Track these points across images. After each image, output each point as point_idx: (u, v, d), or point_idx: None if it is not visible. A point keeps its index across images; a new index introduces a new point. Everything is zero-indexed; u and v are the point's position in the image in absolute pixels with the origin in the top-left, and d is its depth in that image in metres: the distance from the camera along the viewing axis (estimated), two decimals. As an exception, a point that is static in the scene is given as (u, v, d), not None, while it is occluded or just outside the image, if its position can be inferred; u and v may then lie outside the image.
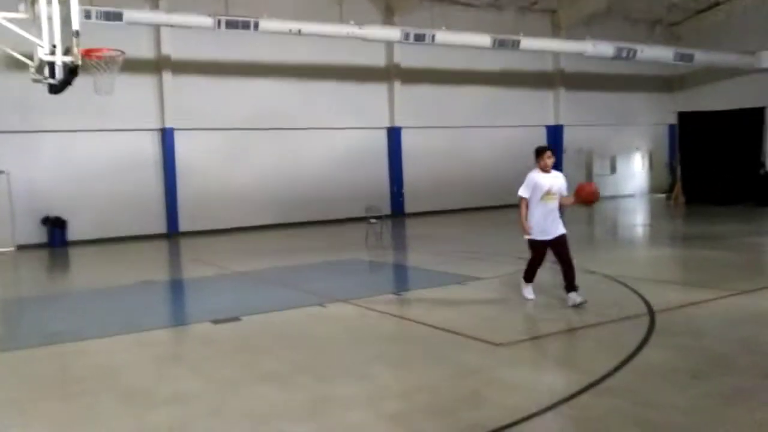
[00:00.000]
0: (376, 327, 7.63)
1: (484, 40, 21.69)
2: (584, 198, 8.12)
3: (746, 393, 4.86)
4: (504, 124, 27.19)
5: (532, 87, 28.02)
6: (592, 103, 29.14)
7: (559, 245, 7.94)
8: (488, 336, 6.65)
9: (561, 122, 28.64)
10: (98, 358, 6.57)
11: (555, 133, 28.55)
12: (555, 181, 8.05)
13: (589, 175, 29.53)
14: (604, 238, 17.63)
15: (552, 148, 8.35)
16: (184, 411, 4.96)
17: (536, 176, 8.01)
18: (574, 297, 7.76)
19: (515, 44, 22.12)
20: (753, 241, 14.35)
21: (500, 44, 21.90)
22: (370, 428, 4.50)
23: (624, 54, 23.21)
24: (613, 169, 30.61)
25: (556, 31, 27.69)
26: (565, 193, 8.15)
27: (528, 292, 8.42)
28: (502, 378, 5.39)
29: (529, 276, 8.39)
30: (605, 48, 23.10)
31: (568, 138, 28.64)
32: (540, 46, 23.75)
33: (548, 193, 7.93)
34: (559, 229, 7.99)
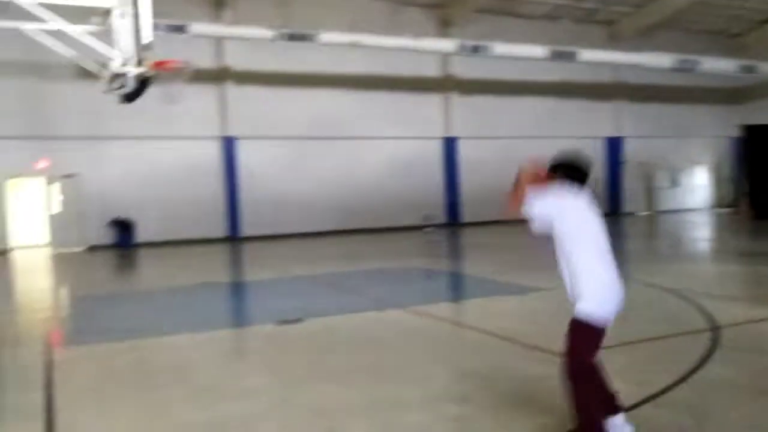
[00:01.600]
0: (435, 333, 7.76)
1: (540, 51, 21.69)
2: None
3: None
4: (561, 135, 26.93)
5: (590, 98, 27.77)
6: (653, 115, 28.67)
7: None
8: (548, 345, 6.69)
9: (621, 134, 28.23)
10: (170, 354, 6.91)
11: (614, 145, 28.18)
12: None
13: (650, 188, 29.02)
14: (666, 251, 17.32)
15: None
16: (251, 405, 5.20)
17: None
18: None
19: (572, 56, 22.01)
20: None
21: (557, 56, 21.83)
22: (429, 428, 4.63)
23: (684, 66, 22.80)
24: (675, 183, 29.97)
25: (614, 42, 27.36)
26: None
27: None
28: (560, 386, 5.45)
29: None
30: (664, 59, 22.78)
31: (628, 150, 28.23)
32: (597, 58, 23.57)
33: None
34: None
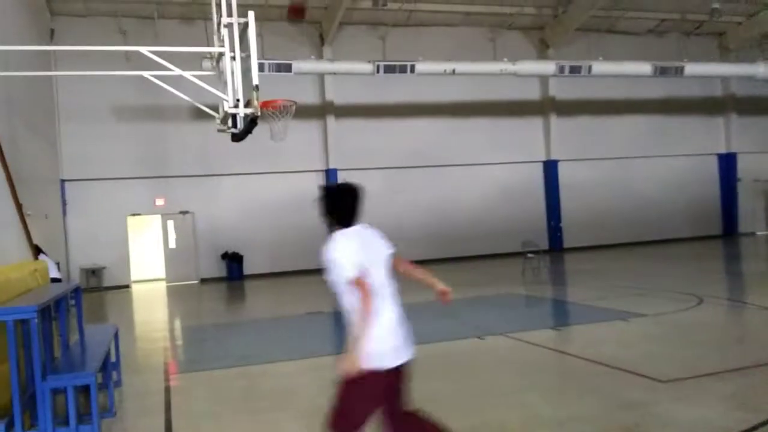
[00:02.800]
0: (533, 359, 7.71)
1: (645, 68, 21.10)
2: None
3: None
4: (669, 154, 26.05)
5: (699, 114, 26.63)
6: (769, 129, 27.10)
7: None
8: (650, 372, 6.54)
9: (734, 150, 26.86)
10: (278, 380, 7.25)
11: (727, 161, 26.84)
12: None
13: (768, 206, 27.36)
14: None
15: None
16: (353, 429, 5.39)
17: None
18: None
19: (679, 71, 21.29)
20: None
21: (662, 72, 21.18)
22: (528, 454, 4.66)
23: (803, 75, 21.54)
24: (797, 200, 28.06)
25: (724, 54, 26.21)
26: None
27: None
28: (664, 414, 5.32)
29: None
30: (780, 69, 21.58)
31: (743, 167, 26.79)
32: (706, 72, 22.67)
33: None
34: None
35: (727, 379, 6.29)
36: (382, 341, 3.69)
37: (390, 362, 3.71)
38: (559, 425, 5.25)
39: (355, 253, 3.74)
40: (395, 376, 3.80)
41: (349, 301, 3.74)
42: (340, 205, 4.02)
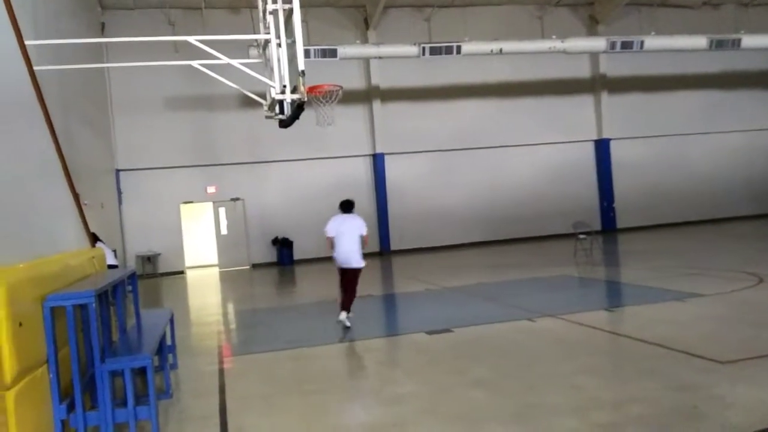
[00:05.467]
0: (586, 341, 7.58)
1: (700, 41, 20.38)
2: None
3: None
4: (726, 130, 25.18)
5: (757, 87, 25.63)
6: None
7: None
8: (709, 353, 6.36)
9: (795, 124, 25.83)
10: (327, 362, 7.32)
11: (788, 136, 25.82)
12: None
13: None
14: None
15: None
16: (403, 410, 5.41)
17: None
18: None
19: (736, 43, 20.51)
20: None
21: (718, 45, 20.43)
22: (580, 435, 4.59)
23: None
24: None
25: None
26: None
27: None
28: (723, 395, 5.17)
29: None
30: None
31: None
32: (765, 43, 21.70)
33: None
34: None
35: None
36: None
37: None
38: (614, 408, 5.15)
39: (332, 224, 9.65)
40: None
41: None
42: (343, 204, 9.98)
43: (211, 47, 9.92)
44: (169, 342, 7.26)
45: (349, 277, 9.37)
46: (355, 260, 9.31)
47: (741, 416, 4.66)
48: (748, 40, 20.66)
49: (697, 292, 9.80)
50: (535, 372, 6.33)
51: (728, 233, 20.21)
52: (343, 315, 9.27)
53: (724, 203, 24.94)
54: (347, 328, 9.09)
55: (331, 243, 9.45)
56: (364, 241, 9.46)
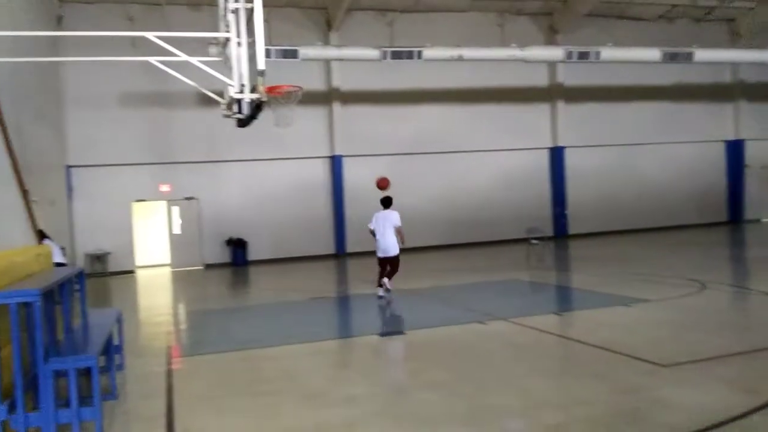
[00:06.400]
0: (536, 344, 7.72)
1: (654, 54, 20.89)
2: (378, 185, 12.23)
3: None
4: (677, 140, 25.88)
5: (708, 100, 26.42)
6: (778, 116, 26.84)
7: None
8: (652, 357, 6.54)
9: (742, 137, 26.69)
10: (280, 363, 7.28)
11: (735, 148, 26.68)
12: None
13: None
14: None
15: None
16: (354, 411, 5.42)
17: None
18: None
19: (688, 57, 21.08)
20: None
21: (671, 58, 20.97)
22: (527, 437, 4.67)
23: (813, 61, 21.28)
24: (804, 187, 27.81)
25: (734, 40, 25.97)
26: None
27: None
28: (665, 397, 5.32)
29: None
30: (791, 55, 21.31)
31: (752, 153, 26.63)
32: (716, 58, 22.40)
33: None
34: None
35: (728, 363, 6.29)
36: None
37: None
38: (561, 409, 5.25)
39: (374, 219, 11.74)
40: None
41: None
42: (383, 201, 11.85)
43: (171, 44, 9.80)
44: (116, 342, 7.12)
45: (388, 263, 11.63)
46: (393, 250, 11.55)
47: (680, 417, 4.81)
48: (700, 54, 21.27)
49: (643, 297, 10.06)
50: (486, 374, 6.42)
51: (675, 241, 20.78)
52: (384, 290, 11.49)
53: (673, 212, 25.62)
54: (381, 297, 11.40)
55: (372, 234, 11.62)
56: (398, 232, 11.48)
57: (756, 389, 5.33)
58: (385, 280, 11.50)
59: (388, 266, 11.66)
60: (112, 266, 19.98)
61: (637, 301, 9.78)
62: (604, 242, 21.71)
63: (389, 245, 11.49)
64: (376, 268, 11.97)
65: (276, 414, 5.48)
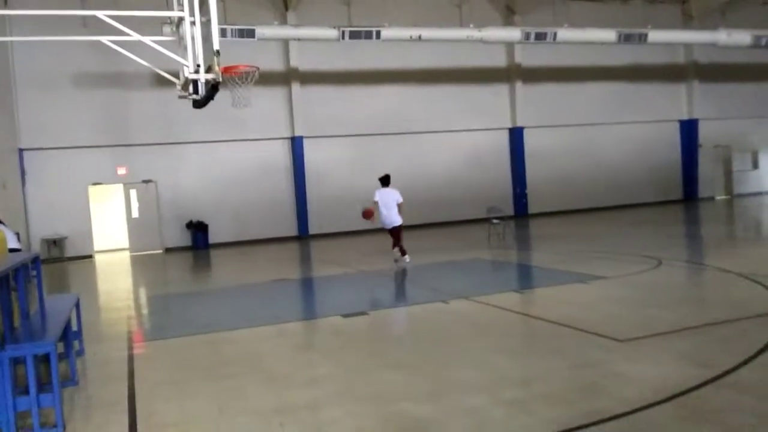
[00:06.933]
0: (497, 322, 7.84)
1: (609, 35, 21.16)
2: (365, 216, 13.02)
3: None
4: (633, 120, 26.38)
5: (662, 80, 26.96)
6: (730, 96, 27.57)
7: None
8: (609, 332, 6.70)
9: (695, 116, 27.32)
10: (242, 346, 7.26)
11: (689, 127, 27.32)
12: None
13: (728, 171, 27.97)
14: (743, 236, 16.75)
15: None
16: (318, 392, 5.45)
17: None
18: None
19: (643, 38, 21.42)
20: None
21: (626, 38, 21.28)
22: (488, 412, 4.76)
23: (763, 42, 21.83)
24: (755, 165, 28.72)
25: (687, 22, 26.49)
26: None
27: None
28: (621, 372, 5.46)
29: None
30: (741, 37, 21.84)
31: (704, 133, 27.33)
32: (669, 39, 22.81)
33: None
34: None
35: (683, 337, 6.49)
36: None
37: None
38: (523, 384, 5.37)
39: (377, 194, 13.03)
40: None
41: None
42: (382, 179, 13.25)
43: (123, 23, 9.55)
44: (75, 328, 7.01)
45: (394, 233, 13.11)
46: (395, 220, 12.97)
47: (636, 391, 4.95)
48: (654, 35, 21.62)
49: (601, 274, 10.28)
50: (448, 352, 6.50)
51: (632, 219, 21.25)
52: (407, 257, 13.10)
53: (630, 190, 26.17)
54: (396, 261, 13.17)
55: (377, 207, 12.95)
56: (400, 207, 12.94)
57: (709, 362, 5.51)
58: (396, 250, 13.19)
59: (395, 237, 13.21)
60: (70, 251, 19.62)
61: (595, 278, 9.99)
62: (562, 221, 22.07)
63: (393, 218, 12.98)
64: (344, 249, 12.14)
65: (239, 396, 5.48)
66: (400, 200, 12.99)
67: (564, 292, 9.32)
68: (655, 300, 8.36)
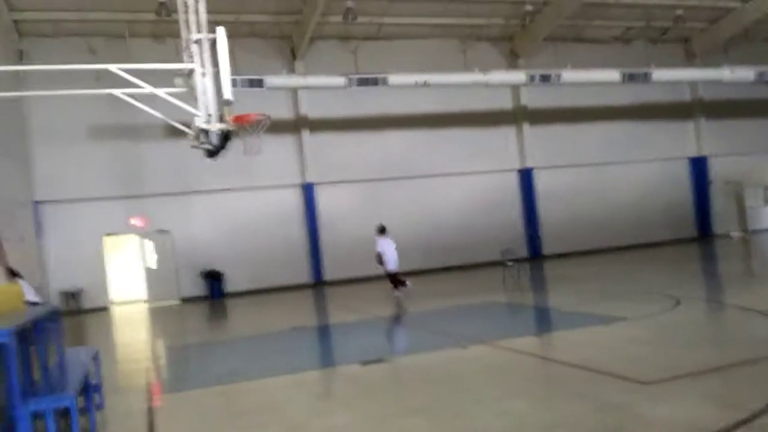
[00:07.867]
0: (516, 366, 7.74)
1: (613, 75, 21.41)
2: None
3: None
4: (642, 159, 26.40)
5: (669, 118, 27.08)
6: (738, 132, 27.57)
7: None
8: (632, 374, 6.59)
9: (704, 153, 27.32)
10: (261, 396, 7.19)
11: (698, 165, 27.30)
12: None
13: (741, 208, 27.81)
14: (760, 273, 16.57)
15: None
16: (340, 442, 5.37)
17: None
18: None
19: (646, 77, 21.64)
20: None
21: (630, 78, 21.51)
22: (515, 459, 4.67)
23: (767, 78, 21.98)
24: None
25: (690, 60, 26.72)
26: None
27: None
28: (647, 414, 5.36)
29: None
30: (745, 73, 22.04)
31: (714, 169, 27.27)
32: (673, 77, 23.06)
33: None
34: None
35: (707, 379, 6.37)
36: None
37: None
38: (545, 430, 5.27)
39: (379, 245, 15.51)
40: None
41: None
42: (379, 229, 15.90)
43: (135, 76, 9.75)
44: (94, 381, 6.98)
45: (396, 275, 15.34)
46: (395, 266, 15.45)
47: (664, 434, 4.85)
48: (658, 74, 21.85)
49: (620, 315, 10.15)
50: (468, 398, 6.41)
51: (647, 258, 21.11)
52: (408, 284, 15.38)
53: (644, 229, 26.01)
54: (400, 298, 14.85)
55: (380, 255, 15.26)
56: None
57: (737, 403, 5.41)
58: (400, 290, 15.26)
59: (397, 278, 15.40)
60: (86, 303, 19.66)
61: (615, 320, 9.87)
62: (577, 262, 21.95)
63: (395, 263, 15.36)
64: (359, 295, 12.09)
65: (261, 448, 5.42)
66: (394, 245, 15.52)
67: (584, 335, 9.21)
68: (677, 340, 8.24)
